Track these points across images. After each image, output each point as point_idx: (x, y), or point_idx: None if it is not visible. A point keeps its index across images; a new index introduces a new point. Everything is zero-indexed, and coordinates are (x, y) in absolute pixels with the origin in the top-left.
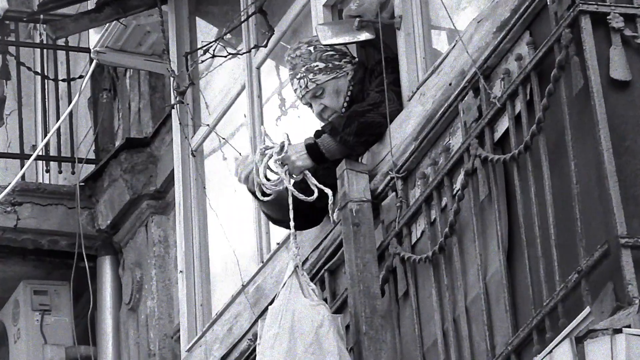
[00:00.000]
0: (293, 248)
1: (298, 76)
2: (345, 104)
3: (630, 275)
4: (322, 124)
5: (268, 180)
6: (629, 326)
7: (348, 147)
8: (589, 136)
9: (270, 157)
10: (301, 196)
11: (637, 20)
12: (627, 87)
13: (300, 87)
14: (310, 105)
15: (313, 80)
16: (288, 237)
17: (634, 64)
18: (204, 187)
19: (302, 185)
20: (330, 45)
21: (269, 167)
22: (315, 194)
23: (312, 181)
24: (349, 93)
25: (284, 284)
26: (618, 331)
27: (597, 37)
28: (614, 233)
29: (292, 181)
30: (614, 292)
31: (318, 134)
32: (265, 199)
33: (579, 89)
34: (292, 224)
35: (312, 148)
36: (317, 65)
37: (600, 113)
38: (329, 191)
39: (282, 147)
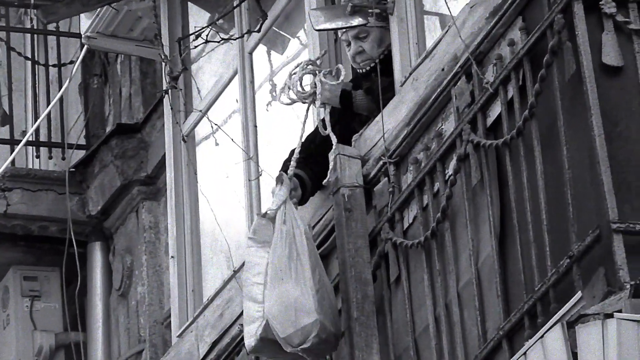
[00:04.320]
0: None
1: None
2: (382, 56)
3: (621, 260)
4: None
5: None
6: (620, 311)
7: (376, 107)
8: (581, 121)
9: (310, 70)
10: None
11: (629, 5)
12: (619, 72)
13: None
14: (348, 45)
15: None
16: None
17: (626, 49)
18: (196, 173)
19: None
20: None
21: (301, 79)
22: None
23: (325, 117)
24: (389, 48)
25: (284, 204)
26: (609, 316)
27: (590, 22)
28: (606, 218)
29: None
30: (605, 277)
31: (356, 87)
32: (284, 102)
33: (571, 74)
34: (297, 150)
35: (345, 93)
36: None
37: (592, 98)
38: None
39: (331, 72)
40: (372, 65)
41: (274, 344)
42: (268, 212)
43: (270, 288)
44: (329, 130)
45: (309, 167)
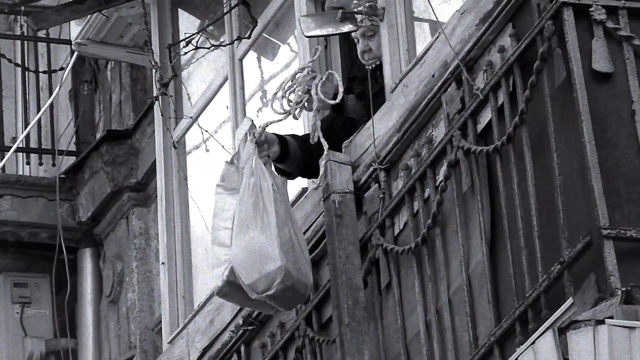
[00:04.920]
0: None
1: (359, 8)
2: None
3: (612, 266)
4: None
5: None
6: (611, 317)
7: (366, 113)
8: (572, 128)
9: (305, 81)
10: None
11: (619, 12)
12: (609, 79)
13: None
14: (357, 41)
15: (371, 19)
16: None
17: (616, 55)
18: (186, 179)
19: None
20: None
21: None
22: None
23: (316, 122)
24: None
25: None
26: (600, 322)
27: (580, 29)
28: (597, 224)
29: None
30: (596, 283)
31: (348, 90)
32: (277, 111)
33: (562, 80)
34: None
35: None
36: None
37: (582, 105)
38: (325, 144)
39: (324, 77)
40: (378, 63)
41: (240, 290)
42: (234, 160)
43: (236, 236)
44: (319, 134)
45: (305, 143)
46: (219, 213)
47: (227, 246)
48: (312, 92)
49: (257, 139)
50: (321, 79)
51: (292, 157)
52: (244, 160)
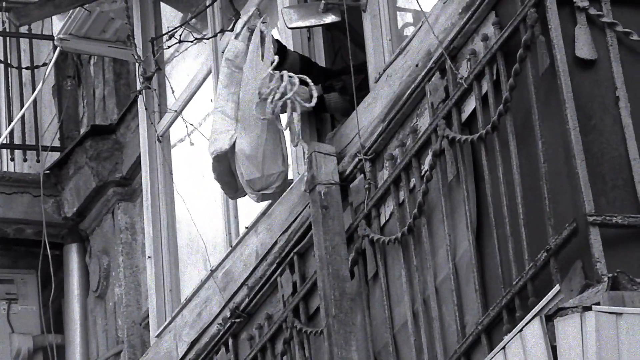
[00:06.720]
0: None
1: None
2: None
3: (598, 253)
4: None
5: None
6: (598, 304)
7: (350, 106)
8: (556, 115)
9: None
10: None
11: None
12: (593, 65)
13: None
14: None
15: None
16: (257, 221)
17: (599, 42)
18: (171, 173)
19: None
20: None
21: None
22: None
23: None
24: None
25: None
26: (587, 309)
27: (563, 16)
28: (582, 211)
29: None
30: (582, 270)
31: (328, 89)
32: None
33: (545, 68)
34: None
35: (319, 99)
36: None
37: (566, 92)
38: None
39: (297, 83)
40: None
41: (230, 173)
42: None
43: (244, 128)
44: (298, 137)
45: (307, 63)
46: (228, 85)
47: (231, 118)
48: (288, 97)
49: (247, 25)
50: (296, 83)
51: (288, 63)
52: (239, 40)
